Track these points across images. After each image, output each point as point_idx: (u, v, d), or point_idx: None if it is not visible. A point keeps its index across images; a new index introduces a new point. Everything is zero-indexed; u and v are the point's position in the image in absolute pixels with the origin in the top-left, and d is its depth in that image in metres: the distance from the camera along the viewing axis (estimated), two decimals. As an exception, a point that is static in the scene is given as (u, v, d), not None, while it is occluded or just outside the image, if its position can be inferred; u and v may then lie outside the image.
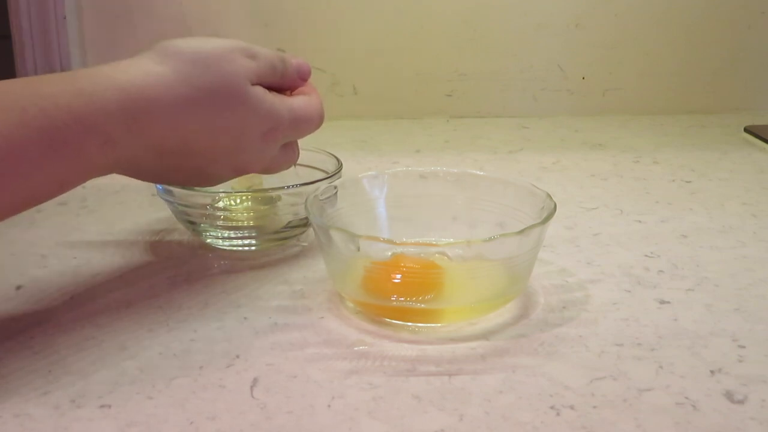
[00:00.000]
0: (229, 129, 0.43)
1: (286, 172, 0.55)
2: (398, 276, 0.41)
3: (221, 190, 0.54)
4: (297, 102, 0.47)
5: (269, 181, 0.53)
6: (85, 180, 0.41)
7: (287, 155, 0.48)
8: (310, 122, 0.48)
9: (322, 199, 0.46)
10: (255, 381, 0.36)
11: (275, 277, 0.48)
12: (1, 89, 0.37)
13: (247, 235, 0.51)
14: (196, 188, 0.48)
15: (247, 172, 0.48)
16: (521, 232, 0.40)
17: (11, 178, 0.37)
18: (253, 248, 0.52)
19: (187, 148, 0.43)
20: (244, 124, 0.44)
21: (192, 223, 0.51)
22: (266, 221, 0.52)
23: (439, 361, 0.38)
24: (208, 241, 0.52)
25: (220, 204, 0.52)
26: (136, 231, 0.55)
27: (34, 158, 0.37)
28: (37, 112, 0.37)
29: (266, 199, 0.53)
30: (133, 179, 0.46)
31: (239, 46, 0.44)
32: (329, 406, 0.34)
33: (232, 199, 0.53)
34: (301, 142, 0.54)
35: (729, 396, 0.35)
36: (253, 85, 0.44)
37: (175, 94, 0.41)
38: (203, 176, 0.46)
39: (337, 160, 0.55)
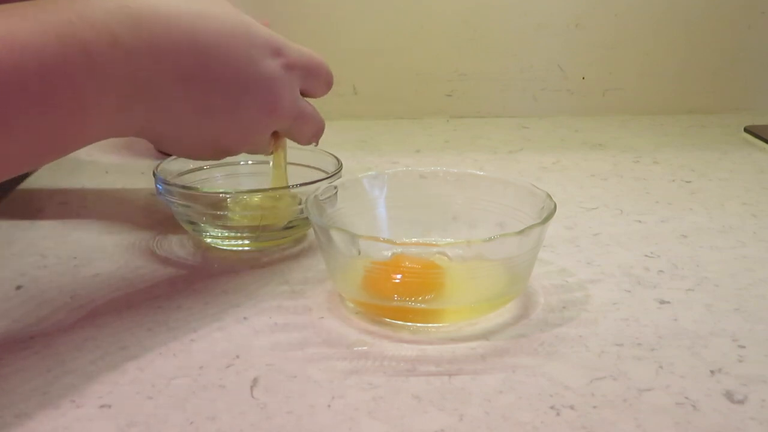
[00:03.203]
0: (240, 36, 0.44)
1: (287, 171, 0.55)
2: (398, 276, 0.41)
3: (221, 190, 0.54)
4: (303, 47, 0.48)
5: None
6: (104, 99, 0.39)
7: (310, 108, 0.49)
8: (320, 66, 0.49)
9: (322, 199, 0.46)
10: (255, 381, 0.36)
11: (275, 277, 0.48)
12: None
13: (247, 235, 0.51)
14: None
15: (280, 114, 0.47)
16: (521, 232, 0.40)
17: (22, 85, 0.34)
18: (253, 248, 0.52)
19: (206, 70, 0.42)
20: (250, 30, 0.44)
21: (192, 223, 0.51)
22: (266, 221, 0.52)
23: (439, 361, 0.38)
24: (208, 241, 0.52)
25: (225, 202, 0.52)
26: (136, 231, 0.55)
27: (42, 60, 0.35)
28: (37, 10, 0.36)
29: (283, 196, 0.52)
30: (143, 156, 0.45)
31: None
32: (329, 406, 0.34)
33: (233, 199, 0.53)
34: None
35: (729, 396, 0.35)
36: None
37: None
38: (236, 119, 0.45)
39: (337, 160, 0.55)
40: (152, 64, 0.40)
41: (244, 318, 0.42)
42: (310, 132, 0.50)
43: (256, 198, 0.52)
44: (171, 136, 0.45)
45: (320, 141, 0.54)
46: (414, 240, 0.41)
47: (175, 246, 0.53)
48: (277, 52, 0.46)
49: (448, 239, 0.43)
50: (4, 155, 0.36)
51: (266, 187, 0.53)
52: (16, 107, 0.35)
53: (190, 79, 0.42)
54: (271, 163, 0.53)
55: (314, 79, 0.49)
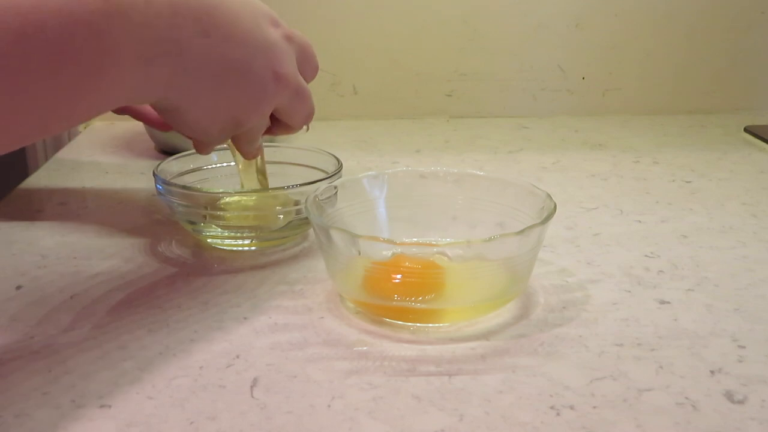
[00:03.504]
0: (241, 3, 0.44)
1: (286, 171, 0.55)
2: (398, 276, 0.41)
3: (221, 190, 0.54)
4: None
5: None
6: (124, 48, 0.38)
7: (306, 85, 0.49)
8: (310, 48, 0.49)
9: (322, 199, 0.46)
10: (255, 381, 0.36)
11: (275, 277, 0.48)
12: None
13: (247, 235, 0.51)
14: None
15: (286, 82, 0.47)
16: (521, 232, 0.40)
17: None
18: (253, 248, 0.52)
19: (221, 29, 0.42)
20: None
21: (192, 223, 0.51)
22: (267, 221, 0.52)
23: (439, 361, 0.38)
24: (208, 241, 0.52)
25: (221, 202, 0.52)
26: (136, 231, 0.55)
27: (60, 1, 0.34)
28: None
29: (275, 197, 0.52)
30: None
31: None
32: (329, 406, 0.34)
33: (231, 198, 0.53)
34: (301, 141, 0.54)
35: (729, 396, 0.35)
36: None
37: None
38: (249, 82, 0.45)
39: (337, 160, 0.55)
40: (171, 15, 0.40)
41: (244, 318, 0.42)
42: (305, 112, 0.50)
43: (248, 199, 0.52)
44: (188, 103, 0.44)
45: (319, 142, 0.54)
46: (414, 240, 0.41)
47: (175, 246, 0.53)
48: (275, 23, 0.47)
49: (448, 239, 0.43)
50: (28, 109, 0.35)
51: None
52: (36, 53, 0.33)
53: (207, 36, 0.42)
54: (239, 167, 0.53)
55: (305, 60, 0.49)
